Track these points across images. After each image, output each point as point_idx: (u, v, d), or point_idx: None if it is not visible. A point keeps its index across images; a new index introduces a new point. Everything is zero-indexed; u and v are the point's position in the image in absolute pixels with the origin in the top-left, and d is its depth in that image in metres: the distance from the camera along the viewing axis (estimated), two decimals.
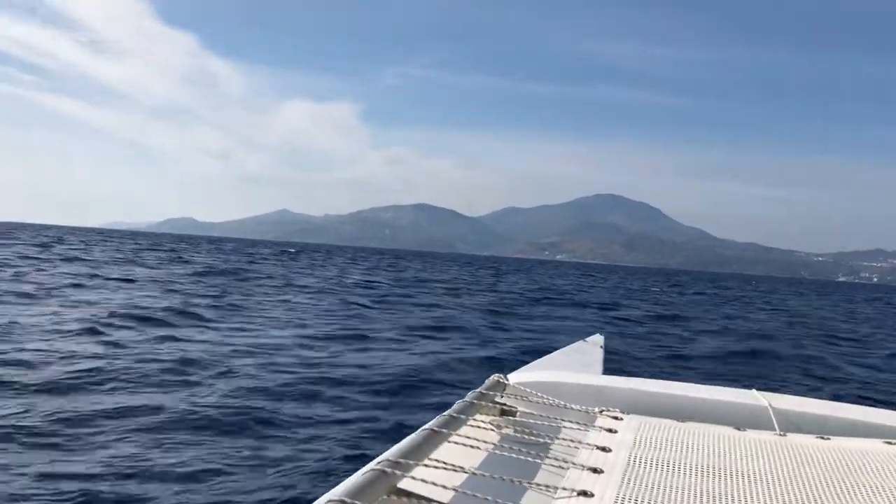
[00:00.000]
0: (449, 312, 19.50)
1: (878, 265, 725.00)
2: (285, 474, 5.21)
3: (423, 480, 1.19)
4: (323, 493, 1.16)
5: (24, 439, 5.58)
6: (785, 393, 1.90)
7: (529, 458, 1.38)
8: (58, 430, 5.88)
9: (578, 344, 3.65)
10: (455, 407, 1.59)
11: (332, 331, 13.60)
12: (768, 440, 1.51)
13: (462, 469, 1.26)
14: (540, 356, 3.16)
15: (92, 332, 10.89)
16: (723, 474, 1.27)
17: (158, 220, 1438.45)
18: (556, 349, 3.46)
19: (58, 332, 10.73)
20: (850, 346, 18.01)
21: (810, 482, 1.24)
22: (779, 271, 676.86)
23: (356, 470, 1.20)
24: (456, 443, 1.43)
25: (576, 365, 3.05)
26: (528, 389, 1.85)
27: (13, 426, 5.84)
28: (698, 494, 1.18)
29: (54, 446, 5.51)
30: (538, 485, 1.23)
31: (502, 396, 1.80)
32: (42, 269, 24.52)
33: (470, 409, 1.63)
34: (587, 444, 1.45)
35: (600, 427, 1.55)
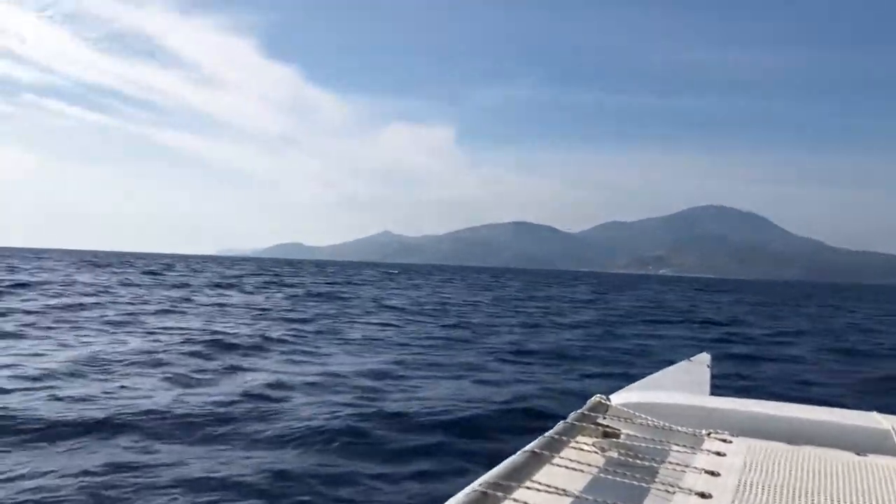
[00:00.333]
0: (552, 334, 17.96)
1: None
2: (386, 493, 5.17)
3: (524, 503, 1.14)
4: None
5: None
6: None
7: (634, 482, 1.31)
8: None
9: (683, 363, 3.35)
10: (556, 428, 1.52)
11: (441, 359, 12.25)
12: (893, 466, 1.42)
13: (564, 492, 1.21)
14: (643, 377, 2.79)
15: (159, 363, 10.05)
16: (842, 502, 1.19)
17: (266, 246, 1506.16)
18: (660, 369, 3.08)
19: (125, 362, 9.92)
20: None
21: None
22: None
23: (457, 492, 1.12)
24: (558, 465, 1.36)
25: (681, 385, 2.74)
26: (631, 411, 1.75)
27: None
28: None
29: None
30: None
31: (605, 418, 1.70)
32: (138, 295, 24.84)
33: (571, 431, 1.55)
34: (694, 467, 1.40)
35: (708, 450, 1.50)
